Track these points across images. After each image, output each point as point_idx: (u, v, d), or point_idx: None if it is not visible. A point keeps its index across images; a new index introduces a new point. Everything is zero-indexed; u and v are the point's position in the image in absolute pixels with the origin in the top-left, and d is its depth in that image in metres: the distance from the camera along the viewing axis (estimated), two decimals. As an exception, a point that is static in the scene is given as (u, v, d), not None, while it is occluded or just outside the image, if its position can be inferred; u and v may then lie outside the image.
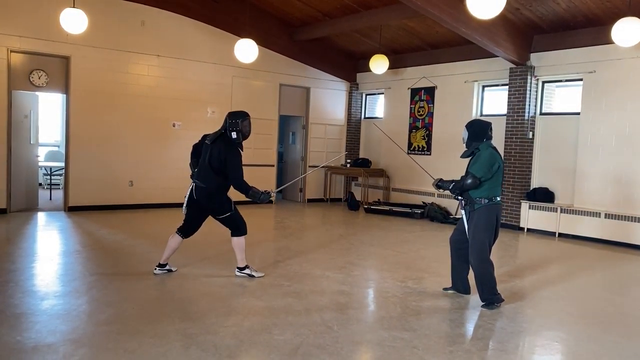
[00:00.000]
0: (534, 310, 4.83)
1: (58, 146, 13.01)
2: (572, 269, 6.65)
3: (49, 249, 6.59)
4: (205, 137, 5.30)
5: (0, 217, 8.32)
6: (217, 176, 5.10)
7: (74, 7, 7.61)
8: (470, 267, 4.83)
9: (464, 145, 4.91)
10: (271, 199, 5.36)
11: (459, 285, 5.08)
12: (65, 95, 9.38)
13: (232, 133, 5.08)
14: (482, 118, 5.12)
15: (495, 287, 4.75)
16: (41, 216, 8.76)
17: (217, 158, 5.07)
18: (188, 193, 5.22)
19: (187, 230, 5.34)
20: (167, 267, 5.43)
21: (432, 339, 3.96)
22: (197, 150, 5.36)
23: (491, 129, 4.90)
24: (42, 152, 11.38)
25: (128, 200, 9.73)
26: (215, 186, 5.13)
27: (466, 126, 4.91)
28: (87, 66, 9.16)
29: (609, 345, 4.03)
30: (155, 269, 5.39)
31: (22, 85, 8.81)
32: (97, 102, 9.30)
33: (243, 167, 5.17)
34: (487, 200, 4.67)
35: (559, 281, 6.00)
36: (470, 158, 4.88)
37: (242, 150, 5.23)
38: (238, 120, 5.10)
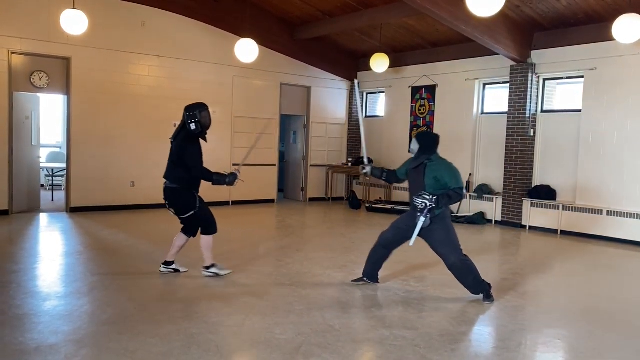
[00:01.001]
0: (536, 308, 4.83)
1: (59, 147, 13.02)
2: (574, 267, 6.64)
3: (51, 250, 6.61)
4: None
5: (2, 219, 8.34)
6: (178, 169, 5.07)
7: (74, 8, 7.62)
8: (449, 268, 4.83)
9: (412, 154, 4.95)
10: (240, 179, 5.21)
11: (373, 274, 5.24)
12: (66, 96, 9.40)
13: (191, 125, 5.04)
14: (429, 132, 5.00)
15: (479, 275, 4.80)
16: (43, 217, 8.78)
17: (176, 152, 5.07)
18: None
19: (186, 230, 5.36)
20: (174, 267, 5.43)
21: (434, 337, 3.95)
22: None
23: (439, 141, 4.97)
24: (43, 154, 11.40)
25: (130, 201, 9.74)
26: (178, 182, 5.09)
27: (416, 138, 4.91)
28: (88, 67, 9.17)
29: (611, 342, 4.03)
30: (161, 266, 5.42)
31: (23, 86, 8.83)
32: (98, 103, 9.31)
33: (203, 158, 5.12)
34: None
35: (561, 279, 6.00)
36: (414, 169, 4.86)
37: (206, 142, 5.22)
38: (196, 112, 5.05)
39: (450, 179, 4.68)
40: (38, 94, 9.40)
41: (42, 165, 10.38)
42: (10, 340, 3.57)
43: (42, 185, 11.22)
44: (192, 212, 5.16)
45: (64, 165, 10.29)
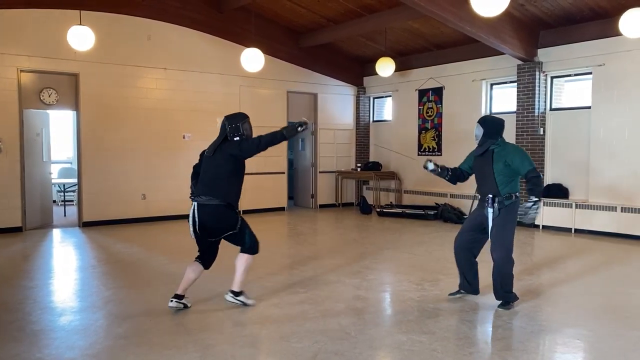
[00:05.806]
0: (553, 308, 4.77)
1: (70, 163, 13.12)
2: (590, 265, 6.56)
3: (65, 265, 6.63)
4: (203, 153, 4.80)
5: (16, 235, 8.41)
6: (228, 180, 4.55)
7: (80, 24, 7.69)
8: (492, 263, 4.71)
9: (476, 142, 4.84)
10: (306, 125, 4.58)
11: (470, 286, 4.94)
12: (75, 112, 9.47)
13: (235, 139, 4.59)
14: (493, 115, 5.12)
15: (512, 286, 4.69)
16: (56, 233, 8.83)
17: (228, 160, 4.54)
18: (191, 216, 4.56)
19: (205, 259, 4.70)
20: (185, 301, 4.65)
21: (451, 341, 3.92)
22: (198, 171, 4.77)
23: (504, 125, 4.84)
24: (54, 170, 11.49)
25: (141, 214, 9.78)
26: (224, 197, 4.51)
27: (480, 123, 4.82)
28: (96, 82, 9.25)
29: (635, 340, 3.95)
30: (172, 300, 4.60)
31: (33, 103, 8.91)
32: (107, 118, 9.38)
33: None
34: (515, 197, 4.60)
35: (578, 277, 5.92)
36: (480, 156, 4.80)
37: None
38: (239, 124, 4.61)
39: (522, 162, 4.55)
40: (48, 111, 9.49)
41: (53, 181, 10.45)
42: (29, 357, 3.58)
43: (54, 201, 11.29)
44: (239, 226, 4.58)
45: (75, 180, 10.36)
